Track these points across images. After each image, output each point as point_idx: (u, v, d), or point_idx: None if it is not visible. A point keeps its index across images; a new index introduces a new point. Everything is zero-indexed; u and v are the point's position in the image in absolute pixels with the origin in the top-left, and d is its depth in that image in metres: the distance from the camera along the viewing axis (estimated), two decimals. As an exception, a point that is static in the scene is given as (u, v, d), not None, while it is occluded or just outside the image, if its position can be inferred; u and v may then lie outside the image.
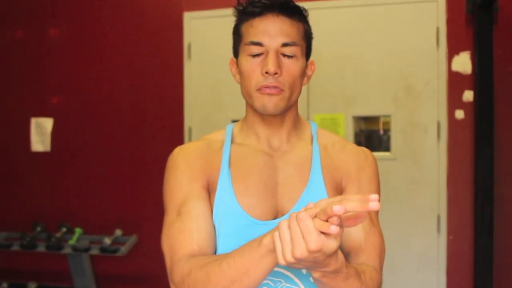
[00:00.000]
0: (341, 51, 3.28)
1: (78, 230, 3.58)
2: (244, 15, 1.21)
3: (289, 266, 0.90)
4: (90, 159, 3.71)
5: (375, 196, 0.78)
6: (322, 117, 3.31)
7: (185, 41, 3.53)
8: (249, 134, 1.28)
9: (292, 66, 1.17)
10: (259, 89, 1.17)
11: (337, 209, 0.79)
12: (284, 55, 1.17)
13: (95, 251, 3.41)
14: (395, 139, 3.25)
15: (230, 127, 1.33)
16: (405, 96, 3.22)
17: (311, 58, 1.28)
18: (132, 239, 3.50)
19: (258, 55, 1.17)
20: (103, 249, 3.39)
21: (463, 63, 3.12)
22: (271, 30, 1.16)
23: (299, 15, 1.19)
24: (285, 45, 1.16)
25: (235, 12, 1.24)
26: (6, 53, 3.88)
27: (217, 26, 3.44)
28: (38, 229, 3.64)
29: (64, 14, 3.76)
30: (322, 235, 0.84)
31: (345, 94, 3.29)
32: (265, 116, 1.22)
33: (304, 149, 1.26)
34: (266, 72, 1.14)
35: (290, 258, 0.86)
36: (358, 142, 3.36)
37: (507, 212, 3.05)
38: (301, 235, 0.84)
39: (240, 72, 1.22)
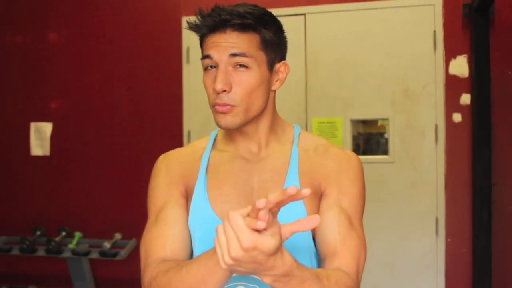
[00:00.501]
0: (339, 55, 3.30)
1: (77, 234, 3.58)
2: (197, 32, 1.20)
3: (233, 271, 0.89)
4: (90, 163, 3.71)
5: (292, 187, 0.78)
6: (320, 120, 3.33)
7: (183, 45, 3.54)
8: (228, 141, 1.28)
9: (244, 78, 1.14)
10: (213, 106, 1.17)
11: (259, 203, 0.79)
12: (238, 67, 1.14)
13: (94, 255, 3.41)
14: (393, 142, 3.27)
15: (214, 133, 1.34)
16: (403, 99, 3.24)
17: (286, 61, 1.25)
18: (132, 243, 3.50)
19: (212, 67, 1.16)
20: (102, 253, 3.39)
21: (460, 66, 3.14)
22: (220, 44, 1.14)
23: (250, 27, 1.14)
24: (233, 55, 1.13)
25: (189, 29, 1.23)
26: (5, 57, 3.88)
27: (215, 30, 3.44)
28: (38, 233, 3.64)
29: (63, 19, 3.78)
30: (256, 233, 0.82)
31: (343, 97, 3.31)
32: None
33: (283, 153, 1.25)
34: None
35: (228, 260, 0.84)
36: (356, 145, 3.38)
37: (505, 214, 3.06)
38: (234, 235, 0.82)
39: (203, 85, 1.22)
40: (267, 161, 1.24)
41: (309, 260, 1.19)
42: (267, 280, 0.89)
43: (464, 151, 3.16)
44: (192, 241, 1.20)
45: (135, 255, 3.56)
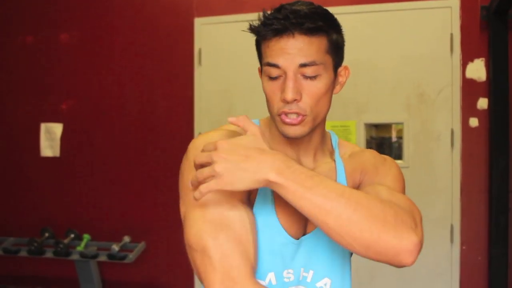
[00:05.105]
0: (354, 58, 3.24)
1: (86, 237, 3.56)
2: (259, 36, 1.11)
3: None
4: (99, 164, 3.69)
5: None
6: (333, 124, 3.27)
7: (195, 46, 3.50)
8: (275, 144, 1.19)
9: (313, 88, 1.08)
10: (279, 115, 1.09)
11: None
12: (305, 76, 1.07)
13: (103, 257, 3.38)
14: (408, 147, 3.20)
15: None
16: (418, 103, 3.18)
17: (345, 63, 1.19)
18: (140, 246, 3.47)
19: (276, 78, 1.08)
20: (111, 256, 3.37)
21: (478, 70, 3.08)
22: (288, 51, 1.05)
23: (319, 31, 1.07)
24: (303, 65, 1.06)
25: (249, 31, 1.15)
26: (16, 58, 3.87)
27: (227, 32, 3.42)
28: (46, 235, 3.62)
29: (75, 20, 3.76)
30: None
31: (357, 101, 3.25)
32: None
33: (327, 165, 1.21)
34: (284, 99, 1.06)
35: None
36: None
37: (523, 222, 2.99)
38: None
39: (264, 91, 1.14)
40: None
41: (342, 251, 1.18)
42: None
43: (480, 157, 3.09)
44: None
45: (143, 259, 3.52)
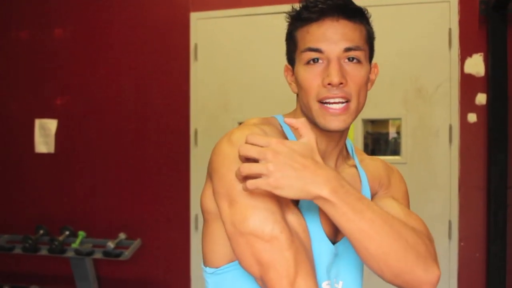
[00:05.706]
0: (351, 53, 3.21)
1: (81, 234, 3.53)
2: (299, 21, 1.07)
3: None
4: (95, 161, 3.66)
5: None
6: (330, 119, 3.25)
7: (191, 41, 3.47)
8: None
9: (357, 73, 1.04)
10: (320, 101, 1.03)
11: None
12: (348, 61, 1.04)
13: (98, 254, 3.35)
14: (406, 142, 3.18)
15: (286, 127, 1.12)
16: (416, 99, 3.15)
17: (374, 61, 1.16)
18: (136, 243, 3.44)
19: (316, 61, 1.03)
20: (106, 253, 3.34)
21: (476, 65, 3.05)
22: (331, 36, 1.02)
23: (360, 17, 1.07)
24: (348, 50, 1.03)
25: (288, 17, 1.11)
26: (10, 53, 3.84)
27: (224, 27, 3.38)
28: (41, 232, 3.58)
29: (69, 15, 3.72)
30: None
31: (355, 96, 3.23)
32: (326, 132, 1.08)
33: (349, 170, 1.18)
34: (329, 84, 1.01)
35: None
36: (365, 145, 3.30)
37: (521, 218, 2.98)
38: None
39: (298, 83, 1.08)
40: None
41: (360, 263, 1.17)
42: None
43: (479, 153, 3.07)
44: None
45: (139, 256, 3.50)
